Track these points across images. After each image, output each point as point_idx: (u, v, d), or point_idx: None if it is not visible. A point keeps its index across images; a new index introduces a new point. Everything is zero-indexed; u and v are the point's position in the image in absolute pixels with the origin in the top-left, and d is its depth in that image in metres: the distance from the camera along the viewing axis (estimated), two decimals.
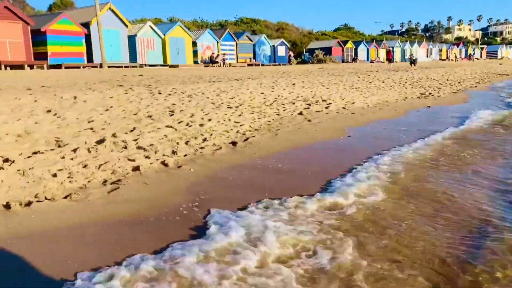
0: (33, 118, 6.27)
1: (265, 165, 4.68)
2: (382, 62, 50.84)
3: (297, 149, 5.54)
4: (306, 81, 15.77)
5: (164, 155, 4.88)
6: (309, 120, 7.46)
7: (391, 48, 47.67)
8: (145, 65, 28.33)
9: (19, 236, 2.80)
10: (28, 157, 4.41)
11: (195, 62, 33.12)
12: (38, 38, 23.08)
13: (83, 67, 23.58)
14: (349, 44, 52.84)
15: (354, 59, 51.25)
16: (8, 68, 20.74)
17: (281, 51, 43.47)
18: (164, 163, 4.56)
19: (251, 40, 39.83)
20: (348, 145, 5.97)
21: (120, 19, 26.95)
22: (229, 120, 7.17)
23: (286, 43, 45.02)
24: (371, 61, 51.84)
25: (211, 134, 5.99)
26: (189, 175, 4.24)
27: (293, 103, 9.43)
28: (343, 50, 51.02)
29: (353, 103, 9.85)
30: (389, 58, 40.80)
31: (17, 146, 4.87)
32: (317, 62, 44.44)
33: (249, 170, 4.51)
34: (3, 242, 2.70)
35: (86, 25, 25.14)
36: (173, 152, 5.00)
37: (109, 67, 23.54)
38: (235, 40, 37.47)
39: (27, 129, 5.60)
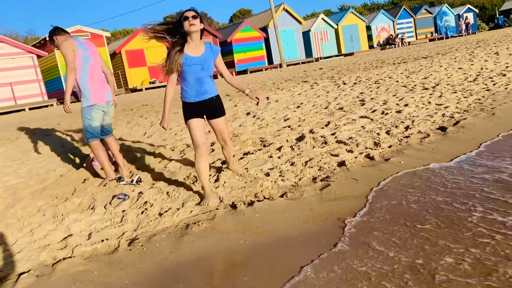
0: (237, 121, 6.80)
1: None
2: None
3: None
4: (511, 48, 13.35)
5: (366, 147, 4.64)
6: None
7: None
8: (320, 58, 28.59)
9: (252, 235, 2.93)
10: (241, 158, 4.74)
11: (370, 47, 31.87)
12: (226, 49, 25.62)
13: (265, 69, 25.16)
14: None
15: None
16: None
17: (469, 19, 38.26)
18: (369, 156, 4.31)
19: (431, 13, 36.26)
20: None
21: (294, 18, 27.81)
22: (429, 103, 6.46)
23: (473, 8, 39.43)
24: None
25: (413, 121, 5.46)
26: (400, 168, 3.89)
27: (504, 75, 8.00)
28: None
29: None
30: None
31: None
32: None
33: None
34: (237, 243, 2.86)
35: (264, 29, 26.75)
36: (376, 144, 4.70)
37: (287, 65, 24.55)
38: (412, 16, 34.74)
39: (235, 131, 6.09)
